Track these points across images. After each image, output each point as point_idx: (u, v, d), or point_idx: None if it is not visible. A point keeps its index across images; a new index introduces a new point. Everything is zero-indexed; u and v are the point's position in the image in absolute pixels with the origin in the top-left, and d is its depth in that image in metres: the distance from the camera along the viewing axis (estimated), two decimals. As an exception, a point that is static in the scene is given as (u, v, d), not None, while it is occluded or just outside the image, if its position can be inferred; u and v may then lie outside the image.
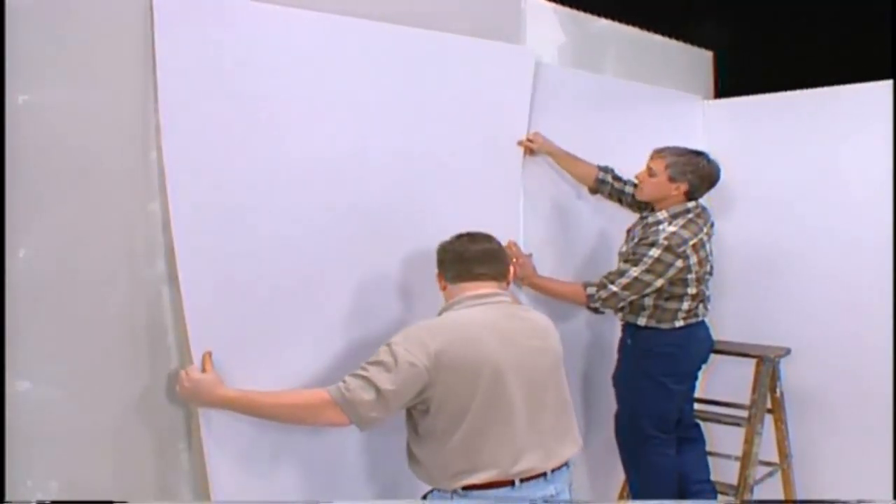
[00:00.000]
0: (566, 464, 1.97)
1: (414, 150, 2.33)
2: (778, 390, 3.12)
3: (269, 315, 1.98)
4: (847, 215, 3.22)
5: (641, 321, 2.74)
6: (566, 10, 3.04)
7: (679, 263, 2.60)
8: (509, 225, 2.61)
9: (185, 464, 1.89)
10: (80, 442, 1.71)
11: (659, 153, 2.74)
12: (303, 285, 2.05)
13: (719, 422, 3.09)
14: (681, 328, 2.73)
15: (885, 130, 3.09)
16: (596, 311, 2.71)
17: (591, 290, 2.65)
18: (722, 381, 3.30)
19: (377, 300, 2.22)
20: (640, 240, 2.68)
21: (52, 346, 1.66)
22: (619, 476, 3.08)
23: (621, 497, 3.16)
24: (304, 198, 2.05)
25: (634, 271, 2.60)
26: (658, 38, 3.51)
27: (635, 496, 2.91)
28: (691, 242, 2.62)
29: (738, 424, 2.99)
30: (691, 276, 2.65)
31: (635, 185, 2.80)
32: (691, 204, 2.72)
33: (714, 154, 2.80)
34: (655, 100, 3.34)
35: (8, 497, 1.57)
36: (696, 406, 3.08)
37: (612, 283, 2.62)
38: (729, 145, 3.50)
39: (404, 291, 2.28)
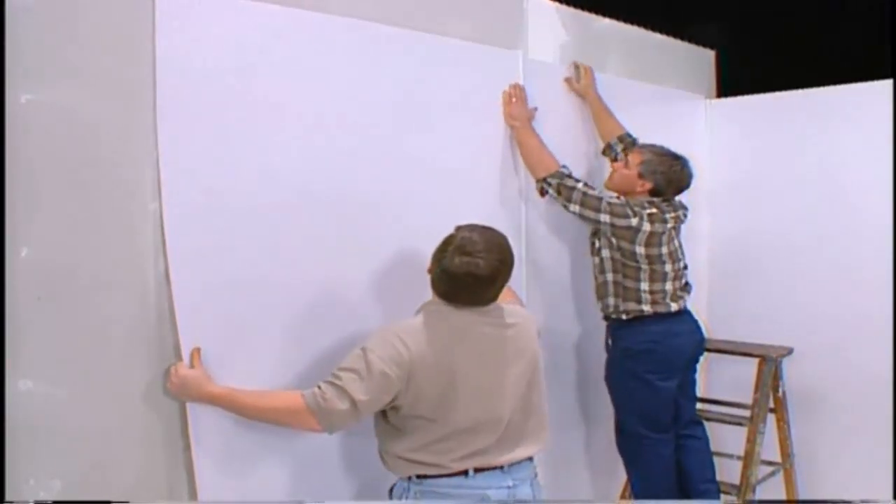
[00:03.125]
0: (529, 458, 1.98)
1: (411, 152, 2.33)
2: (780, 390, 3.12)
3: (258, 313, 1.98)
4: (848, 214, 3.22)
5: (610, 301, 2.76)
6: (568, 9, 3.04)
7: (633, 221, 2.61)
8: (508, 221, 2.60)
9: (185, 463, 1.88)
10: (82, 441, 1.71)
11: (640, 148, 2.80)
12: (291, 284, 2.05)
13: (722, 421, 3.09)
14: (654, 319, 2.72)
15: (885, 130, 3.09)
16: (543, 189, 2.64)
17: (566, 170, 2.62)
18: (724, 380, 3.31)
19: (365, 300, 2.21)
20: None
21: (53, 345, 1.66)
22: (621, 476, 3.08)
23: (623, 497, 3.16)
24: (295, 198, 2.05)
25: (601, 193, 2.64)
26: (660, 37, 3.50)
27: (637, 496, 2.90)
28: (648, 211, 2.65)
29: (740, 424, 2.99)
30: (640, 249, 2.65)
31: None
32: (656, 199, 2.74)
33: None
34: (657, 99, 3.35)
35: (9, 497, 1.57)
36: (699, 405, 3.08)
37: (584, 183, 2.62)
38: (731, 144, 3.52)
39: (394, 291, 2.26)
